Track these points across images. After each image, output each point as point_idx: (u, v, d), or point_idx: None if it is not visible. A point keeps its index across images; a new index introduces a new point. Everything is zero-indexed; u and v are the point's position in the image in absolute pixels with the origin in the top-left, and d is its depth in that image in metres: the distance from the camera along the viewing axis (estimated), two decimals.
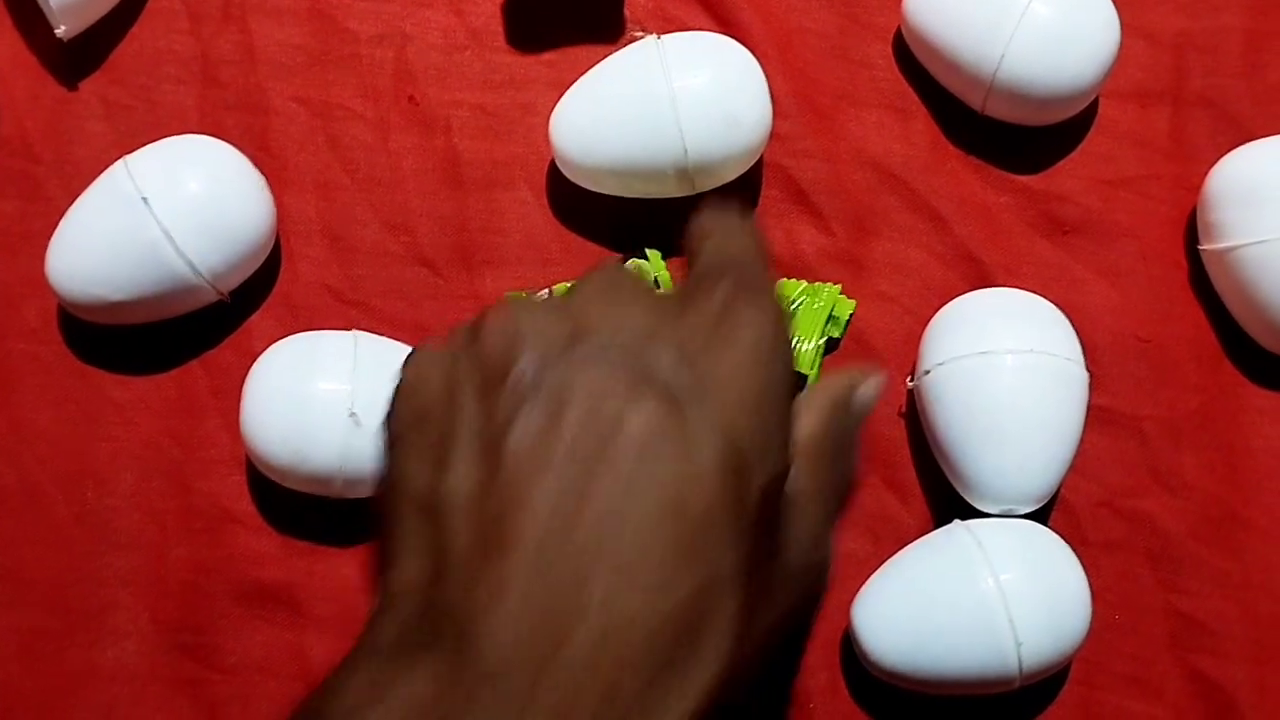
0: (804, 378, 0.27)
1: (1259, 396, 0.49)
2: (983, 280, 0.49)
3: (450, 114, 0.52)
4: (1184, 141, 0.51)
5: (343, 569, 0.47)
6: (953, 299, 0.48)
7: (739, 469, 0.22)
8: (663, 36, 0.48)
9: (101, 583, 0.48)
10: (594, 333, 0.23)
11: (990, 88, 0.48)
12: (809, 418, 0.25)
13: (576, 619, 0.21)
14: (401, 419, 0.24)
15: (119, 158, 0.47)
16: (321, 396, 0.45)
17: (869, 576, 0.45)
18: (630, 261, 0.49)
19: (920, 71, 0.51)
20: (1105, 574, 0.47)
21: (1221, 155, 0.48)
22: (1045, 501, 0.45)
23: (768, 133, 0.48)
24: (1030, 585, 0.42)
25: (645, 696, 0.20)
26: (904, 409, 0.49)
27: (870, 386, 0.27)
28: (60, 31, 0.50)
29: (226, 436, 0.49)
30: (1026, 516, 0.45)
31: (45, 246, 0.48)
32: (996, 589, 0.42)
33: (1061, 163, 0.51)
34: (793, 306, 0.28)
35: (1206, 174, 0.48)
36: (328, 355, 0.46)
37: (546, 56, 0.52)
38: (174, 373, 0.50)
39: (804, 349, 0.27)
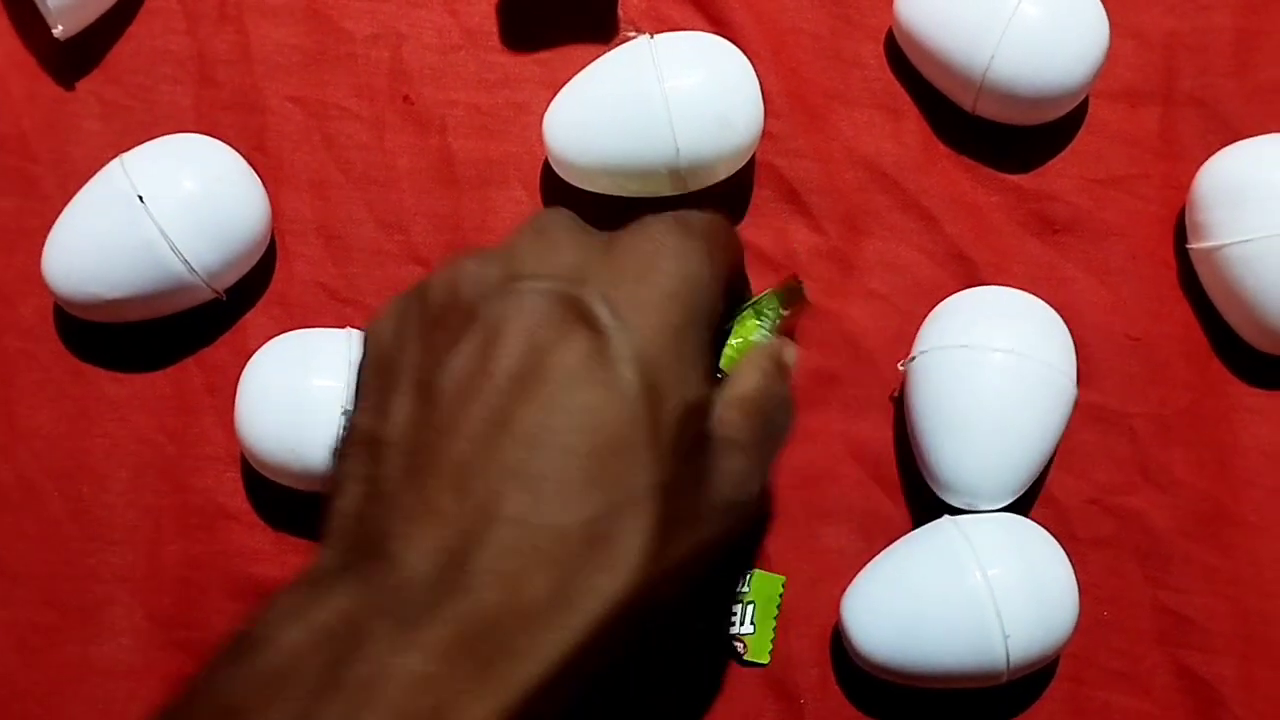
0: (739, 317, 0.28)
1: (1247, 394, 0.49)
2: (973, 279, 0.50)
3: (445, 113, 0.52)
4: (1173, 141, 0.51)
5: None
6: (943, 298, 0.48)
7: (653, 394, 0.23)
8: (656, 36, 0.48)
9: (97, 578, 0.48)
10: (527, 273, 0.25)
11: (980, 88, 0.48)
12: (745, 377, 0.26)
13: (488, 532, 0.22)
14: (362, 369, 0.26)
15: (115, 156, 0.48)
16: (316, 394, 0.45)
17: (859, 572, 0.46)
18: None
19: (911, 71, 0.52)
20: (1094, 570, 0.47)
21: (1211, 154, 0.49)
22: (1009, 501, 0.45)
23: (759, 132, 0.48)
24: (1018, 580, 0.43)
25: (554, 599, 0.22)
26: (895, 393, 0.49)
27: (793, 351, 0.28)
28: (57, 31, 0.50)
29: (221, 433, 0.49)
30: (1016, 512, 0.46)
31: (41, 244, 0.48)
32: (984, 583, 0.42)
33: (1051, 162, 0.51)
34: (744, 308, 0.29)
35: (1195, 173, 0.49)
36: (322, 353, 0.46)
37: (540, 56, 0.53)
38: (169, 370, 0.50)
39: (733, 343, 0.28)
